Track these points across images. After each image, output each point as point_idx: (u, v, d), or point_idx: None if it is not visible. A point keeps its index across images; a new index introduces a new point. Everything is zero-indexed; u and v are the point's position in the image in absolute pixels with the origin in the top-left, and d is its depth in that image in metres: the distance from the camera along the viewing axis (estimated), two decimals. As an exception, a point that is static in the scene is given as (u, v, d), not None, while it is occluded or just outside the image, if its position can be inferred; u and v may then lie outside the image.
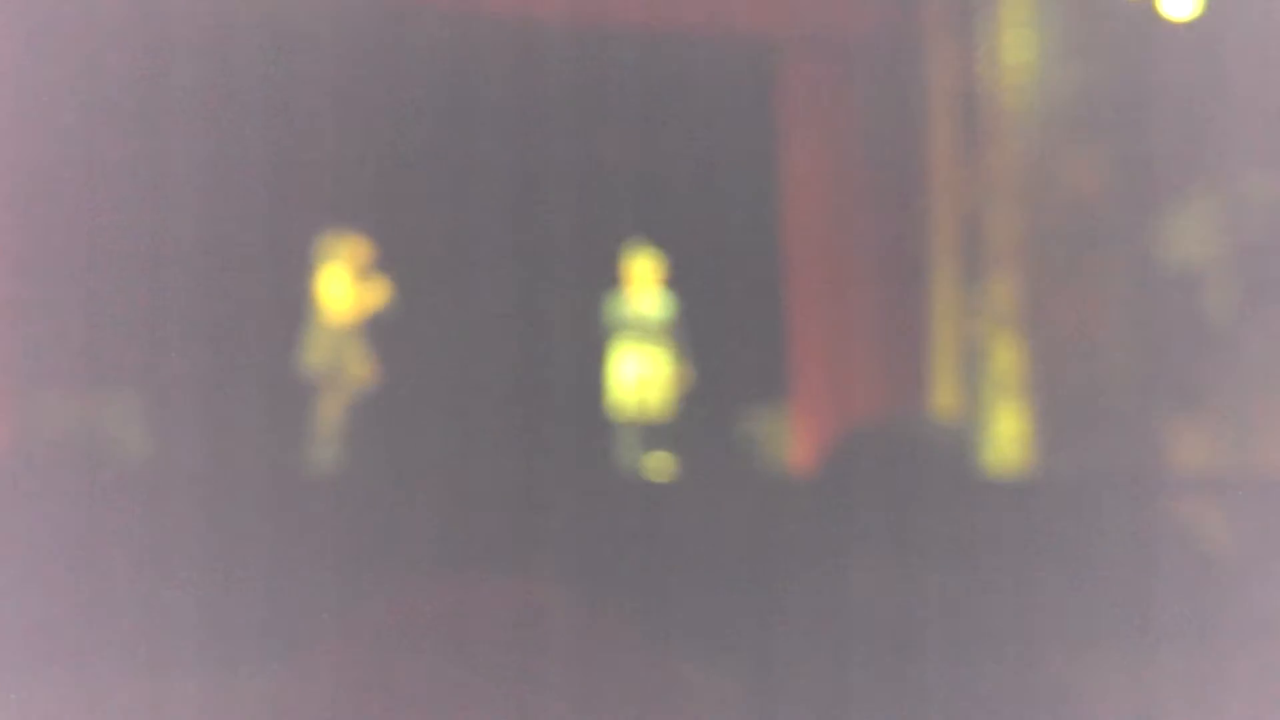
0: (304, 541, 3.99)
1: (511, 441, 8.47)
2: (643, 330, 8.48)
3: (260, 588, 3.83)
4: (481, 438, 8.50)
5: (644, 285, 8.54)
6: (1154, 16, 7.79)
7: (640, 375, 8.43)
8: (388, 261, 8.50)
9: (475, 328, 8.70)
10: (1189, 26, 7.71)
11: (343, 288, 8.35)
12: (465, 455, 8.33)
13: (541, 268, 8.75)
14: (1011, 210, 8.57)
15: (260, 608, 3.79)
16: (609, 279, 8.67)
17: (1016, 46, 8.45)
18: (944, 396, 8.78)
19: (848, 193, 9.10)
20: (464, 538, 4.14)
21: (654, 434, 8.44)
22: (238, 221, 8.12)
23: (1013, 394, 8.41)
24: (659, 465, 8.23)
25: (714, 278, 9.00)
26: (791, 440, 8.94)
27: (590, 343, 8.61)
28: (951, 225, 8.88)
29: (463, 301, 8.62)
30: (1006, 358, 8.47)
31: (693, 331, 8.71)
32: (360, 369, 8.32)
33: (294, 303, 8.39)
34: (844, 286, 9.10)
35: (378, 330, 8.47)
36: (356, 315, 8.36)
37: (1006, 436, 8.36)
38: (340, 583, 3.83)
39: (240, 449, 7.78)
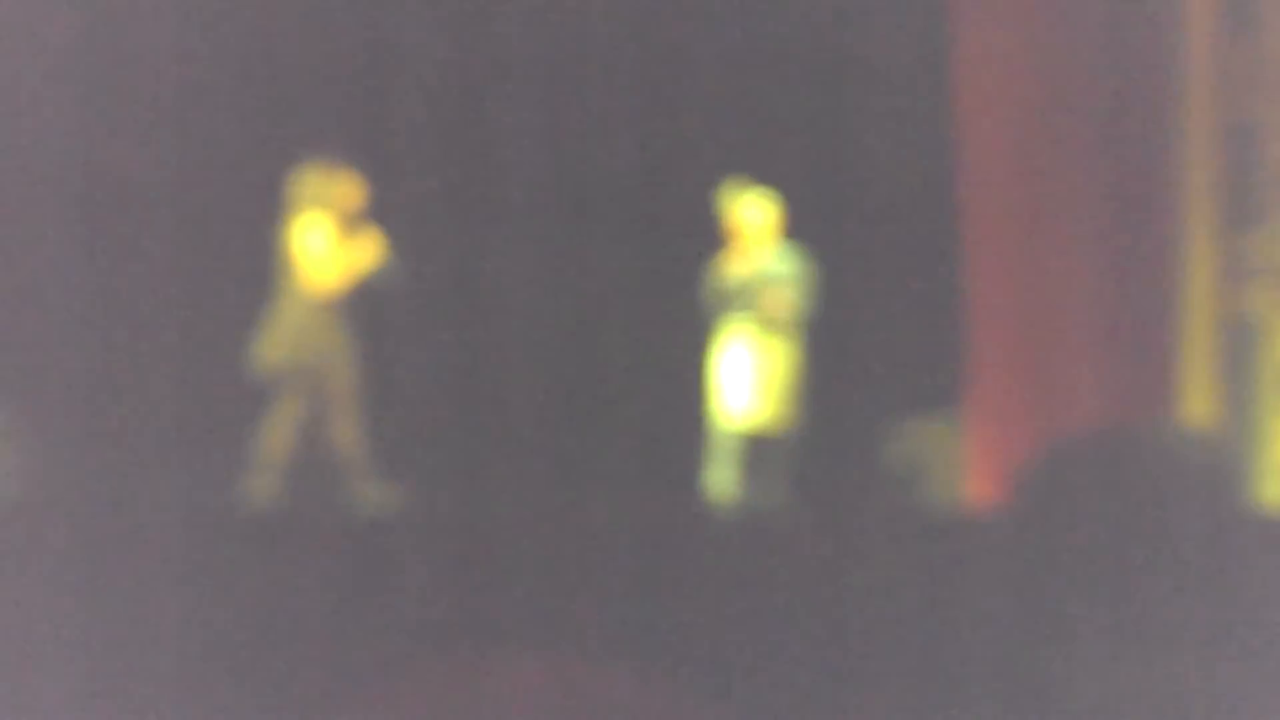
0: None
1: (559, 465, 7.63)
2: (755, 308, 7.24)
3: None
4: (514, 459, 7.58)
5: (757, 243, 7.35)
6: None
7: (751, 370, 7.26)
8: (384, 210, 7.31)
9: (505, 304, 7.76)
10: None
11: (323, 246, 6.98)
12: (491, 485, 7.46)
13: (602, 219, 7.83)
14: None
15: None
16: (706, 236, 7.50)
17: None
18: (1195, 401, 7.47)
19: (1048, 104, 7.57)
20: (483, 610, 3.96)
21: (768, 453, 7.28)
22: (172, 149, 7.50)
23: None
24: (774, 495, 7.26)
25: (856, 234, 7.75)
26: (966, 463, 7.62)
27: (678, 325, 7.59)
28: (1205, 150, 7.53)
29: (487, 267, 7.68)
30: None
31: (828, 310, 7.52)
32: (341, 365, 6.97)
33: (250, 268, 7.23)
34: (1045, 245, 7.62)
35: (366, 308, 7.21)
36: (339, 286, 7.01)
37: None
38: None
39: (155, 480, 7.18)
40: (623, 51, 7.80)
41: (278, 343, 6.94)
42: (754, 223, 7.32)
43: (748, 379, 7.20)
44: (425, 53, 7.83)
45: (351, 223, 7.04)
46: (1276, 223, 7.48)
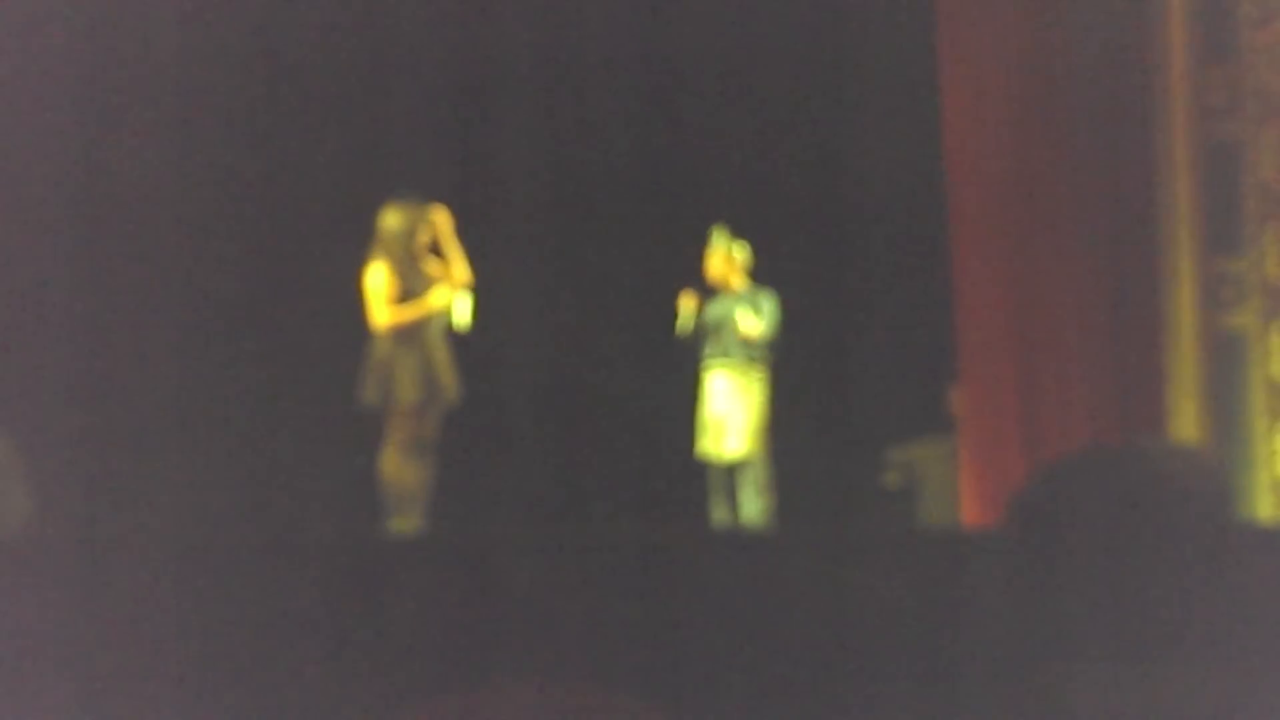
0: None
1: (559, 492, 7.72)
2: (737, 342, 7.34)
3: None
4: (518, 485, 7.70)
5: (734, 284, 7.47)
6: None
7: (733, 402, 7.29)
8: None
9: (506, 335, 7.84)
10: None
11: (400, 283, 6.85)
12: (493, 509, 7.58)
13: (596, 260, 8.11)
14: None
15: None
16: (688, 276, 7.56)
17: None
18: (1183, 420, 7.27)
19: (1033, 132, 7.42)
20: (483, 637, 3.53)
21: (755, 479, 7.30)
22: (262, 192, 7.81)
23: None
24: (762, 520, 7.23)
25: (853, 268, 7.88)
26: (959, 485, 7.52)
27: (668, 360, 7.58)
28: (1191, 169, 7.29)
29: (500, 310, 7.57)
30: (1278, 362, 7.21)
31: (810, 342, 7.66)
32: (450, 392, 6.90)
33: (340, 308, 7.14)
34: (1033, 270, 7.47)
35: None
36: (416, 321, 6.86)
37: (1278, 473, 7.16)
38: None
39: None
40: (618, 103, 7.95)
41: (376, 379, 6.73)
42: (733, 266, 7.36)
43: (730, 410, 7.21)
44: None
45: (433, 258, 6.87)
46: (1262, 242, 7.24)
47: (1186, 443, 6.89)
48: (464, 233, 7.18)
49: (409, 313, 6.71)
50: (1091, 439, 7.11)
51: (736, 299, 7.29)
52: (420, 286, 6.76)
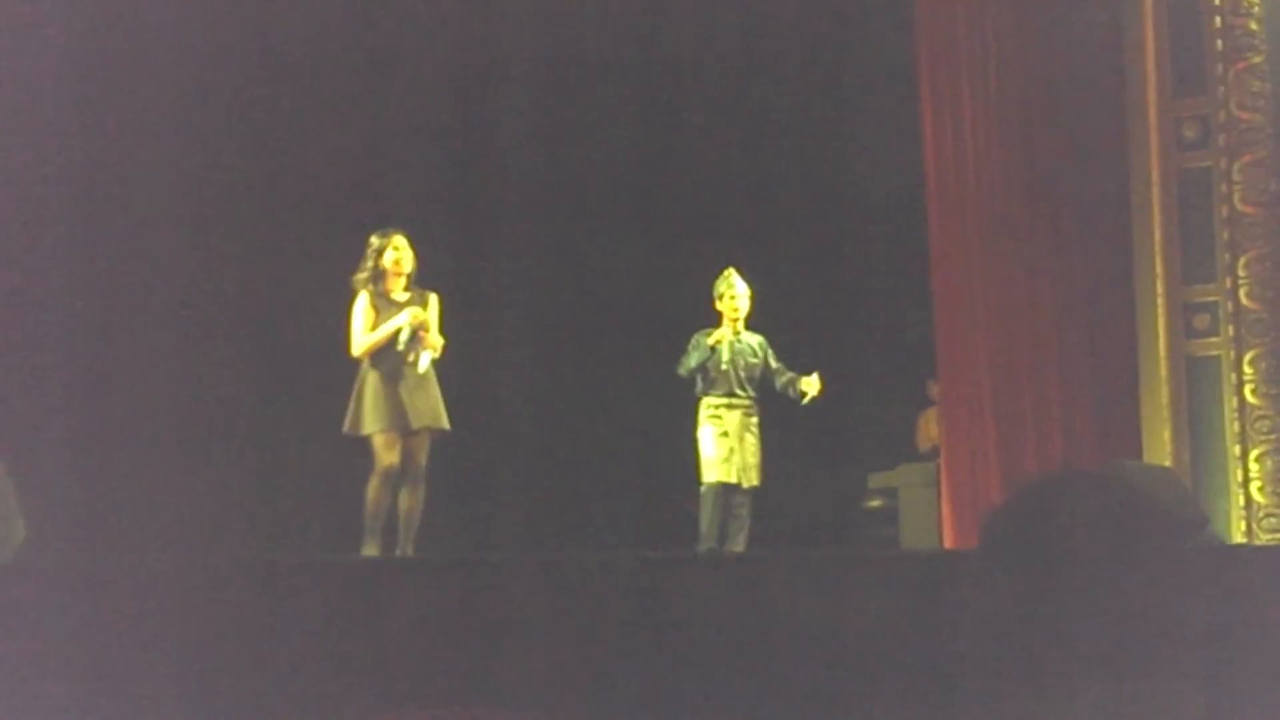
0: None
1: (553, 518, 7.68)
2: (742, 377, 7.24)
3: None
4: (514, 509, 7.66)
5: (737, 321, 7.34)
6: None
7: (730, 432, 7.18)
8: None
9: (506, 372, 7.92)
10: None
11: (378, 316, 6.83)
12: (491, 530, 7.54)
13: (591, 290, 8.15)
14: (1258, 164, 7.06)
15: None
16: (695, 310, 7.43)
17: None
18: (1158, 448, 7.22)
19: (1010, 152, 7.44)
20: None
21: (750, 504, 7.20)
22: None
23: (1261, 439, 7.10)
24: (750, 545, 7.13)
25: (825, 296, 7.90)
26: (941, 509, 7.47)
27: (667, 392, 7.44)
28: (1165, 192, 7.29)
29: (490, 336, 7.71)
30: (1251, 388, 7.12)
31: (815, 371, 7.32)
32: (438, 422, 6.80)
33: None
34: (1012, 292, 7.47)
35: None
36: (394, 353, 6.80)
37: (1252, 498, 7.08)
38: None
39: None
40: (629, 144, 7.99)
41: (375, 409, 6.67)
42: (738, 304, 7.23)
43: (727, 440, 7.14)
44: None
45: (410, 289, 6.81)
46: (1235, 271, 7.21)
47: (1157, 464, 6.89)
48: (466, 262, 7.17)
49: (381, 336, 6.67)
50: (1069, 463, 7.03)
51: (744, 339, 7.27)
52: (398, 319, 6.70)
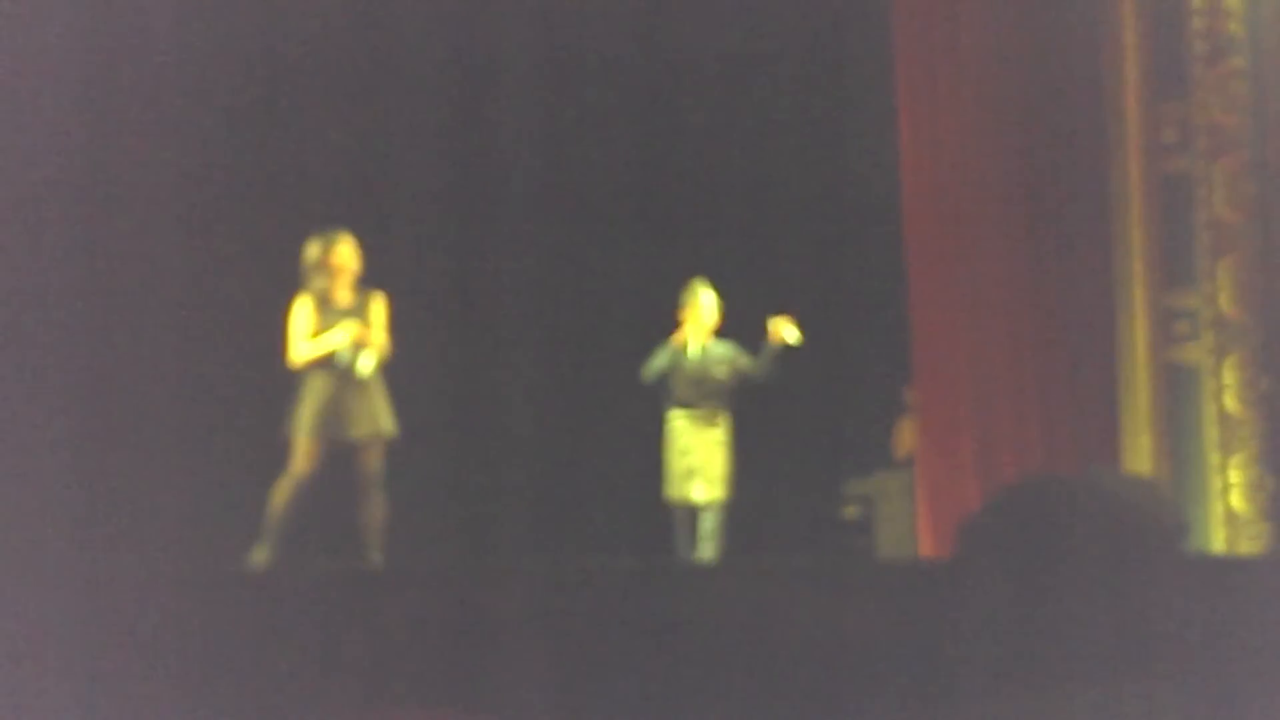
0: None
1: (526, 532, 7.66)
2: (705, 387, 7.22)
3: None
4: (482, 526, 7.66)
5: (703, 332, 7.34)
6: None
7: (701, 445, 7.18)
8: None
9: (477, 380, 7.92)
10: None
11: (321, 319, 6.70)
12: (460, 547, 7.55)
13: (555, 304, 8.09)
14: (1238, 168, 7.03)
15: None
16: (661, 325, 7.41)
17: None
18: (1137, 455, 7.15)
19: (987, 157, 7.37)
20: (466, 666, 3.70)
21: (716, 517, 7.17)
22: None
23: (1240, 447, 7.02)
24: (724, 556, 7.06)
25: (798, 303, 7.58)
26: (916, 519, 7.39)
27: (637, 406, 7.49)
28: (1144, 197, 7.21)
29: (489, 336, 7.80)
30: (1231, 396, 7.04)
31: (774, 385, 7.35)
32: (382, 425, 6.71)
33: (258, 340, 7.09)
34: (989, 299, 7.40)
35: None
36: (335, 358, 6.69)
37: (1231, 506, 7.01)
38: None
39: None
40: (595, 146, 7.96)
41: (304, 412, 6.59)
42: (710, 317, 7.26)
43: (698, 456, 7.14)
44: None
45: (353, 292, 6.70)
46: (1215, 277, 7.17)
47: (1136, 471, 6.87)
48: (436, 267, 7.07)
49: (319, 349, 6.57)
50: (1046, 469, 6.93)
51: (709, 349, 7.24)
52: (340, 323, 6.60)
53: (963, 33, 7.41)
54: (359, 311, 6.64)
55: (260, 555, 6.43)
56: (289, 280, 6.80)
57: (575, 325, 8.17)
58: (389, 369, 6.71)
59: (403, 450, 6.79)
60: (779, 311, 7.17)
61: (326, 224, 6.73)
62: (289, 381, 6.73)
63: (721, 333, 7.23)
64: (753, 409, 7.29)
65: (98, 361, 7.45)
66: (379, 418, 6.58)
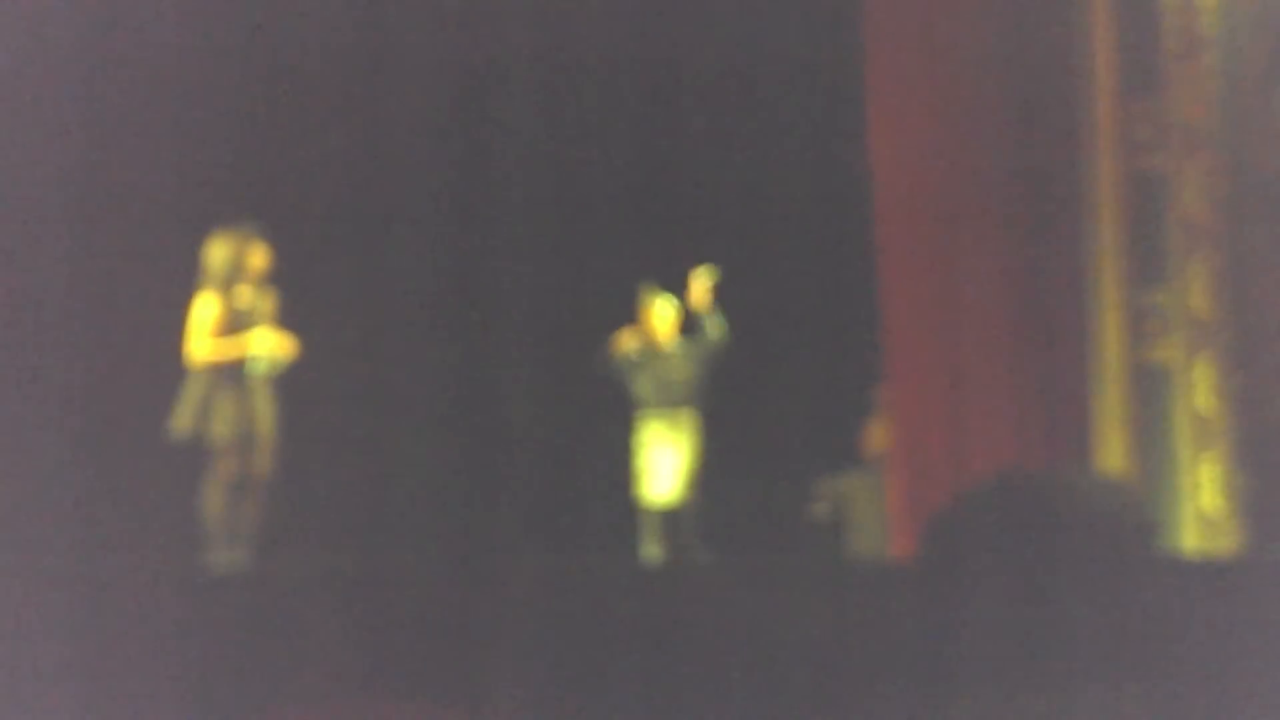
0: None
1: (486, 535, 7.67)
2: (670, 388, 7.33)
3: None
4: (448, 532, 7.58)
5: (663, 333, 7.47)
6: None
7: (668, 446, 7.28)
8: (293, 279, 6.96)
9: (428, 380, 7.83)
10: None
11: (224, 317, 6.60)
12: (425, 554, 7.35)
13: (515, 298, 8.00)
14: (1206, 172, 7.09)
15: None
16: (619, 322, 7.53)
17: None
18: (1109, 454, 7.20)
19: (958, 152, 7.34)
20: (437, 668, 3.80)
21: (687, 521, 7.27)
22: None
23: (1212, 446, 7.07)
24: (695, 558, 7.13)
25: (785, 308, 7.83)
26: (889, 515, 7.40)
27: (601, 406, 7.65)
28: (1116, 201, 7.23)
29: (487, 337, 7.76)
30: (1203, 394, 7.09)
31: (743, 384, 7.59)
32: (257, 434, 6.61)
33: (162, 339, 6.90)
34: (959, 296, 7.38)
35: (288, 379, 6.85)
36: (238, 358, 6.63)
37: (1203, 505, 7.07)
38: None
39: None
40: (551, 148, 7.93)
41: (192, 412, 6.52)
42: (666, 320, 7.40)
43: (662, 455, 7.25)
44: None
45: (258, 291, 6.66)
46: (1187, 275, 7.21)
47: (1106, 470, 6.95)
48: (398, 262, 6.98)
49: (226, 350, 6.53)
50: (1016, 469, 6.78)
51: (669, 352, 7.34)
52: (244, 323, 6.57)
53: (934, 29, 7.41)
54: (261, 311, 6.64)
55: (222, 559, 6.38)
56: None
57: (544, 325, 8.18)
58: (380, 370, 6.73)
59: (387, 450, 6.81)
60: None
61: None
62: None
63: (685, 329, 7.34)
64: (721, 407, 7.34)
65: (98, 362, 7.46)
66: (268, 417, 6.58)
